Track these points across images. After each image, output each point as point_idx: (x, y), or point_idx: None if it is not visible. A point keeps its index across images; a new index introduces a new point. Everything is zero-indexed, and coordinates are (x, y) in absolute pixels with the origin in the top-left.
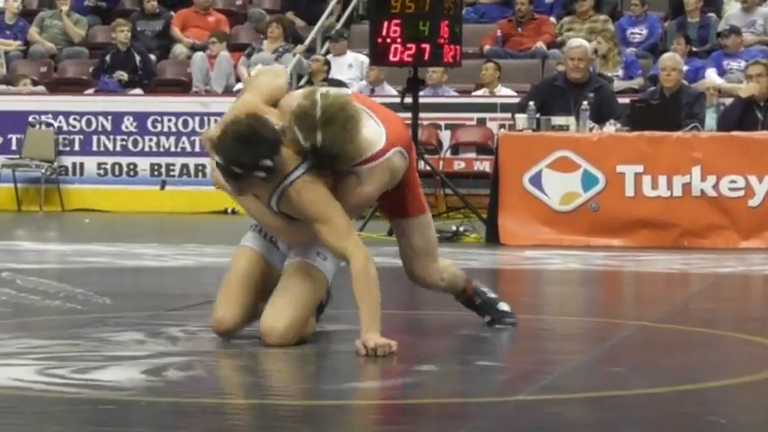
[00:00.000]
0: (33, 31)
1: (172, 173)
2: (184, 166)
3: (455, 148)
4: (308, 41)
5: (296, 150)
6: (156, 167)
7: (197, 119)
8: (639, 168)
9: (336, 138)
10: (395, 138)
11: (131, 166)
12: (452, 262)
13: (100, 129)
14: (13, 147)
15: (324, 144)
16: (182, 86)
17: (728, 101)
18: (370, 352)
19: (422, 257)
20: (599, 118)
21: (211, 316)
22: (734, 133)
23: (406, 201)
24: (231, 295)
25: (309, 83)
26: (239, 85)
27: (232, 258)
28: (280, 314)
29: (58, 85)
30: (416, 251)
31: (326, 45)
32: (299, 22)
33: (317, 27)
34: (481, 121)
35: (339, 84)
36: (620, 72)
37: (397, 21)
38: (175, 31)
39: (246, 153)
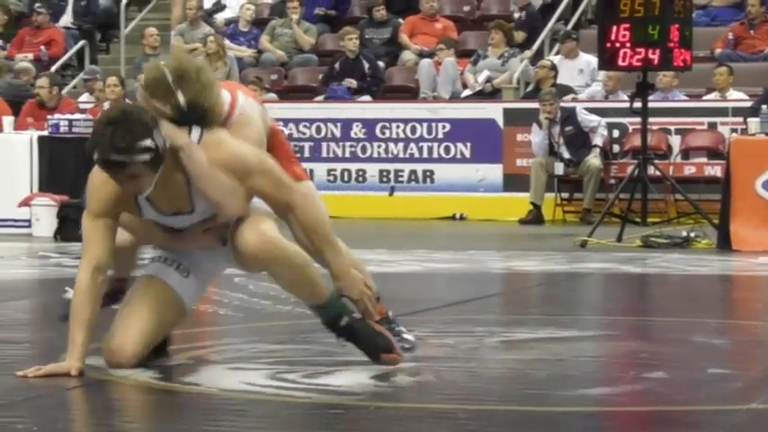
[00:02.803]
0: (264, 40)
1: (400, 179)
2: (413, 172)
3: (685, 153)
4: (535, 46)
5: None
6: (384, 173)
7: (425, 125)
8: None
9: (196, 90)
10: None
11: (360, 173)
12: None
13: (329, 135)
14: None
15: (189, 102)
16: (410, 93)
17: None
18: (360, 308)
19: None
20: None
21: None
22: None
23: None
24: (129, 323)
25: (537, 89)
26: (466, 92)
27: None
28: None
29: (289, 93)
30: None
31: (555, 47)
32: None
33: (544, 32)
34: (712, 126)
35: (568, 90)
36: None
37: (626, 25)
38: (403, 37)
39: (123, 135)
